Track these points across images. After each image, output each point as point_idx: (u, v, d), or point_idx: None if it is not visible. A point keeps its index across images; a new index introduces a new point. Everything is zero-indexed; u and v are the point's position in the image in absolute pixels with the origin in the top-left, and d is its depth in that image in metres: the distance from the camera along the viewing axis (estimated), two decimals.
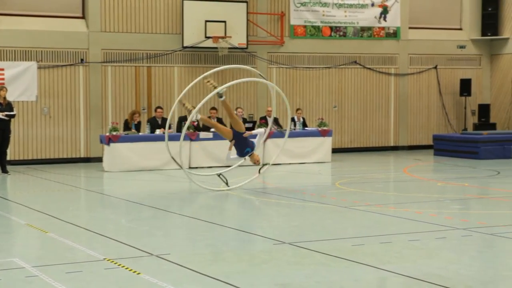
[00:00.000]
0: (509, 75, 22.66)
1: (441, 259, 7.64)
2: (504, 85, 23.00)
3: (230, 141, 13.14)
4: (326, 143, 18.77)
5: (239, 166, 14.51)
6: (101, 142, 17.21)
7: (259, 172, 13.69)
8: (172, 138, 17.15)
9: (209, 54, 20.18)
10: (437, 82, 22.98)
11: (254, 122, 18.42)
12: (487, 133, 19.77)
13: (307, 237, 8.78)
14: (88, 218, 10.82)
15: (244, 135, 13.02)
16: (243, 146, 13.09)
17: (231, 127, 13.41)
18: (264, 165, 13.98)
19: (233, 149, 13.23)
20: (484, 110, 22.81)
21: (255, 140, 13.28)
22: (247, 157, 13.15)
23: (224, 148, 17.51)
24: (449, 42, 23.05)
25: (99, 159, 18.05)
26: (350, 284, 6.59)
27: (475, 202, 12.06)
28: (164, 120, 17.66)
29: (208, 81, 13.05)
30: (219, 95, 12.89)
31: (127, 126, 17.41)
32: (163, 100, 19.80)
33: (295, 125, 18.86)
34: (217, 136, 17.50)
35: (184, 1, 19.60)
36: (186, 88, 12.89)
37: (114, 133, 16.67)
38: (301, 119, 19.07)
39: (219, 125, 13.73)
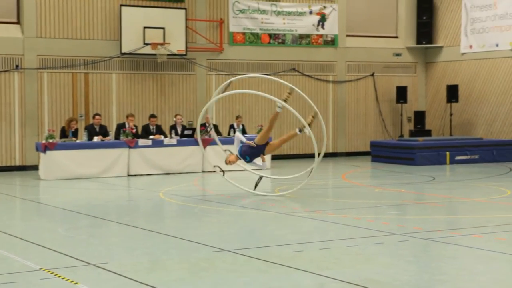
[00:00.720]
0: (444, 83, 23.16)
1: (378, 264, 7.74)
2: (438, 92, 23.50)
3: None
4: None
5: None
6: (37, 149, 16.90)
7: (255, 186, 13.64)
8: (110, 145, 17.01)
9: (148, 60, 20.05)
10: (374, 89, 23.33)
11: (194, 129, 18.40)
12: (423, 139, 20.16)
13: (246, 244, 8.79)
14: (24, 227, 10.61)
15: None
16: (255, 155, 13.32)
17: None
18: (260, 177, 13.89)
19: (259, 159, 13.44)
20: (419, 117, 23.25)
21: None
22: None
23: (162, 156, 17.46)
24: (386, 50, 23.44)
25: (35, 167, 17.72)
26: None
27: (411, 208, 12.28)
28: (102, 127, 17.47)
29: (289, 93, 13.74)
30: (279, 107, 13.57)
31: (64, 134, 17.14)
32: (101, 107, 19.58)
33: (234, 132, 18.85)
34: (156, 144, 17.41)
35: (122, 7, 19.45)
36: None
37: (51, 140, 16.40)
38: (241, 126, 19.10)
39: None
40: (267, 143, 13.39)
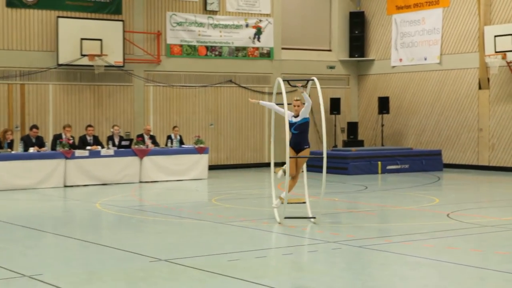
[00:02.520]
0: (375, 94, 23.54)
1: (313, 272, 7.79)
2: (370, 104, 23.86)
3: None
4: (203, 160, 18.79)
5: None
6: None
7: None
8: (47, 156, 16.69)
9: (85, 72, 19.79)
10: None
11: (131, 140, 18.22)
12: (356, 149, 20.42)
13: (183, 253, 8.73)
14: None
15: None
16: (300, 136, 11.45)
17: None
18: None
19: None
20: (352, 127, 23.56)
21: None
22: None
23: (99, 167, 17.22)
24: (320, 62, 23.69)
25: None
26: None
27: (345, 216, 12.40)
28: (39, 138, 17.14)
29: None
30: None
31: None
32: (38, 118, 19.20)
33: (172, 143, 18.77)
34: (93, 154, 17.16)
35: (59, 19, 19.16)
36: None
37: None
38: (178, 137, 19.01)
39: (300, 166, 11.49)
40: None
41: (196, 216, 12.14)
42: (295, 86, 11.81)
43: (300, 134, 11.44)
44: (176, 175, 18.26)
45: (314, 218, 11.10)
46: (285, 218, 11.09)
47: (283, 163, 11.33)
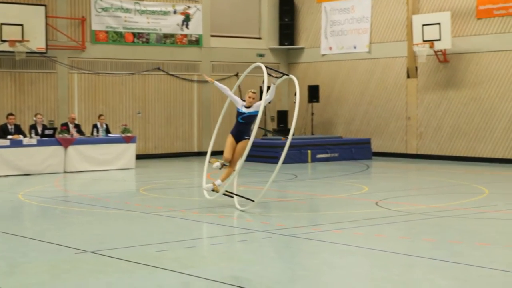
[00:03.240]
0: (305, 83, 23.72)
1: (242, 261, 7.82)
2: (300, 92, 24.01)
3: None
4: (130, 149, 18.61)
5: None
6: None
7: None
8: None
9: (5, 58, 19.30)
10: (238, 89, 23.52)
11: (55, 129, 17.89)
12: (285, 138, 20.52)
13: (110, 244, 8.64)
14: None
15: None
16: (245, 127, 11.65)
17: None
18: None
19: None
20: (282, 116, 23.71)
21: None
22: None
23: (21, 156, 16.84)
24: (249, 50, 23.73)
25: None
26: None
27: (275, 205, 12.48)
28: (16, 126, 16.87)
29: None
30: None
31: None
32: None
33: (98, 132, 18.52)
34: (14, 144, 16.77)
35: None
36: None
37: None
38: (104, 126, 18.76)
39: (236, 156, 11.66)
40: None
41: (124, 206, 12.02)
42: (278, 78, 11.93)
43: (245, 125, 11.60)
44: (102, 165, 18.03)
45: (253, 201, 11.21)
46: (226, 192, 11.36)
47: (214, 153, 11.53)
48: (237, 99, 11.82)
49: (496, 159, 19.36)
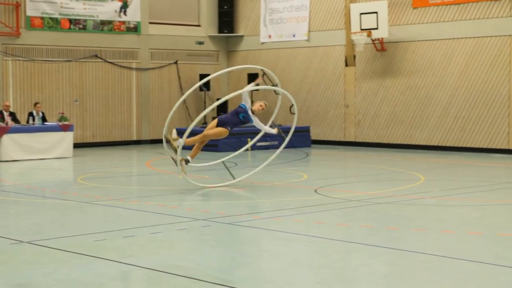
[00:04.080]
0: (245, 71, 23.73)
1: (182, 250, 7.80)
2: (240, 80, 24.05)
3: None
4: (67, 138, 18.31)
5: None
6: None
7: None
8: None
9: None
10: (177, 77, 23.43)
11: None
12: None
13: (47, 234, 8.50)
14: None
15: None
16: (236, 123, 12.35)
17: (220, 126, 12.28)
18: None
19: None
20: (222, 104, 23.64)
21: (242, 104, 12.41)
22: (250, 114, 12.36)
23: None
24: (188, 38, 23.60)
25: None
26: (91, 279, 6.49)
27: (215, 193, 12.46)
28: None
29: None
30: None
31: None
32: None
33: (34, 120, 18.17)
34: None
35: None
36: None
37: None
38: (40, 114, 18.42)
39: (210, 132, 12.33)
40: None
41: (61, 196, 11.84)
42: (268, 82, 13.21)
43: (236, 122, 12.33)
44: (38, 154, 17.71)
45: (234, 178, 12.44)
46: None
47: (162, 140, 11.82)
48: (248, 99, 12.54)
49: (432, 146, 19.76)
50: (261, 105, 12.59)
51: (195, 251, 7.72)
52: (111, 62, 21.98)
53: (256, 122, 12.51)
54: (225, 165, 13.55)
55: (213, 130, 12.26)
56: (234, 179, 12.92)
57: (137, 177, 15.41)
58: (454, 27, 19.28)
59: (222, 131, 12.20)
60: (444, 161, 17.16)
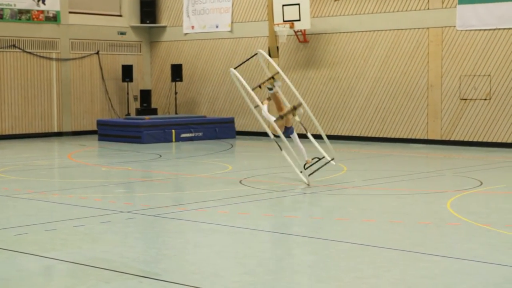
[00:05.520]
0: (168, 62, 23.60)
1: (106, 243, 7.71)
2: (163, 71, 23.90)
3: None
4: None
5: None
6: None
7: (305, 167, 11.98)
8: None
9: None
10: (99, 68, 23.08)
11: None
12: (149, 118, 20.39)
13: None
14: None
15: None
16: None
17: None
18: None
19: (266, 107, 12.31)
20: (145, 95, 23.47)
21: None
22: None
23: None
24: (110, 28, 23.28)
25: None
26: (12, 274, 6.35)
27: (139, 185, 12.37)
28: None
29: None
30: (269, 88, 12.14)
31: None
32: None
33: None
34: None
35: None
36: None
37: None
38: None
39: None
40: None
41: None
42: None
43: None
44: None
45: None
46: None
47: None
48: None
49: (354, 137, 20.09)
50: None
51: (119, 243, 7.65)
52: (29, 52, 21.47)
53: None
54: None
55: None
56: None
57: (59, 170, 15.13)
58: (375, 19, 19.63)
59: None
60: (366, 152, 17.48)
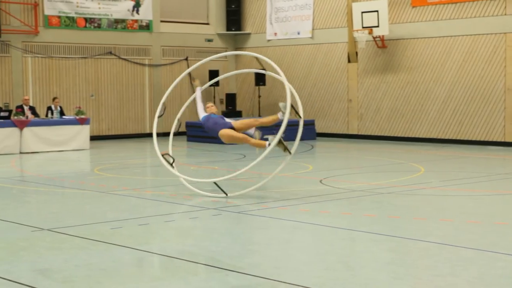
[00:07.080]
0: (252, 67, 23.68)
1: (194, 237, 7.82)
2: (247, 76, 24.04)
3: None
4: (84, 130, 18.36)
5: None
6: None
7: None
8: None
9: None
10: (188, 73, 23.37)
11: (10, 111, 17.52)
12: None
13: (66, 222, 8.53)
14: None
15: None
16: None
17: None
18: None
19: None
20: (231, 99, 23.67)
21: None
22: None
23: None
24: (198, 35, 23.59)
25: None
26: (108, 265, 6.52)
27: (225, 184, 12.46)
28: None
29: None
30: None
31: None
32: None
33: (52, 114, 18.21)
34: None
35: None
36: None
37: None
38: (59, 108, 18.45)
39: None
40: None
41: (79, 185, 11.87)
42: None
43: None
44: (57, 146, 17.76)
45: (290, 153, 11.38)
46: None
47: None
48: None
49: (431, 139, 19.71)
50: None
51: (206, 238, 7.74)
52: (124, 59, 21.99)
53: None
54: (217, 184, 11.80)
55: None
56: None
57: (151, 168, 15.44)
58: (452, 25, 19.21)
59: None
60: (443, 153, 17.12)
